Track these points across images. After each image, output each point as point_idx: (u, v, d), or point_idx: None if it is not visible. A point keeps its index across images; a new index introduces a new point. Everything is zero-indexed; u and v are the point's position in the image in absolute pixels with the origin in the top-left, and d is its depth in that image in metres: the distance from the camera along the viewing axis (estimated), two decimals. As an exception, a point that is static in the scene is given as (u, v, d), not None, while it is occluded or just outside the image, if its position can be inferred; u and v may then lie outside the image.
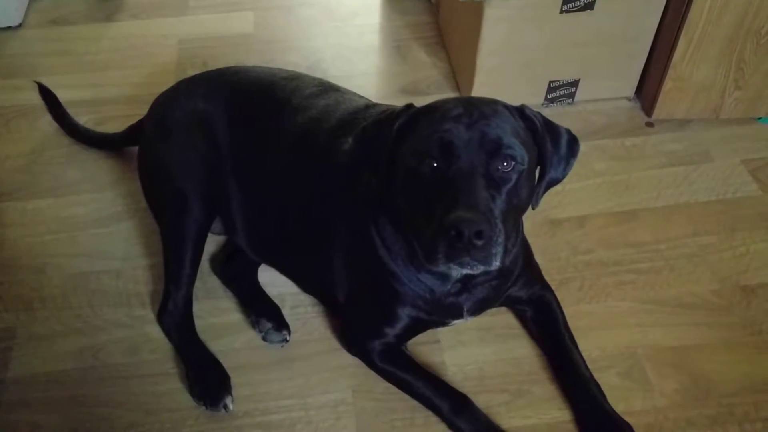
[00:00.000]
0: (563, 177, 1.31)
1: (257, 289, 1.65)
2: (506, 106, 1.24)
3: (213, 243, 1.74)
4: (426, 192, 1.16)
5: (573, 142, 1.30)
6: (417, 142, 1.19)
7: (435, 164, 1.16)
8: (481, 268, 1.16)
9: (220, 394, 1.45)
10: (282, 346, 1.55)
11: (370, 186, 1.36)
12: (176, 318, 1.54)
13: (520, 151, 1.17)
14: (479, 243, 1.10)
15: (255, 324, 1.57)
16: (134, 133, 1.81)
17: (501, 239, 1.13)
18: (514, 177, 1.17)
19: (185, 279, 1.54)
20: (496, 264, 1.15)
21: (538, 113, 1.27)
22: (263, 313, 1.57)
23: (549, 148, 1.25)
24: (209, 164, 1.56)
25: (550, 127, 1.28)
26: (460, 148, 1.15)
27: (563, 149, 1.28)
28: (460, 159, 1.14)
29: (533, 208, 1.28)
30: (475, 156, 1.15)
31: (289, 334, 1.56)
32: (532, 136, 1.24)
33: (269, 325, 1.55)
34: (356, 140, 1.33)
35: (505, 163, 1.16)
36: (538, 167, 1.26)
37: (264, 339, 1.55)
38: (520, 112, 1.24)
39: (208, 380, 1.47)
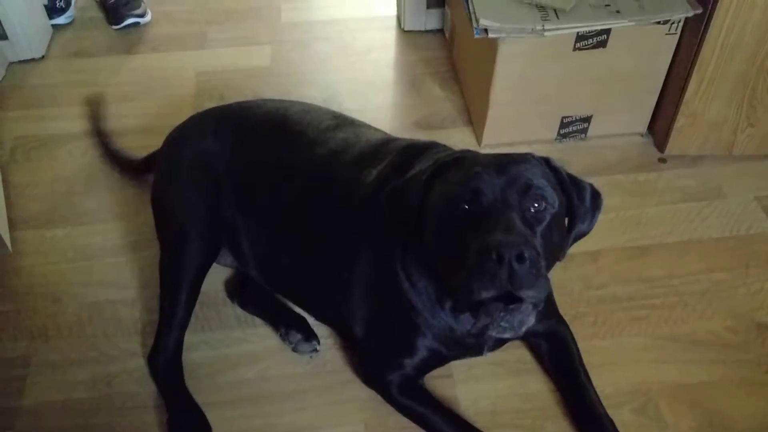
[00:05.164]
0: (590, 230, 1.31)
1: (279, 304, 1.65)
2: (533, 156, 1.25)
3: (226, 271, 1.75)
4: (459, 233, 1.14)
5: (596, 195, 1.31)
6: (447, 188, 1.19)
7: (466, 207, 1.15)
8: (525, 313, 1.12)
9: None
10: (311, 357, 1.57)
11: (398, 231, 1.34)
12: (164, 362, 1.52)
13: (550, 193, 1.18)
14: (521, 267, 1.04)
15: (284, 336, 1.58)
16: (150, 163, 1.84)
17: (543, 263, 1.09)
18: (548, 217, 1.17)
19: (178, 321, 1.52)
20: (543, 294, 1.10)
21: (562, 167, 1.28)
22: (292, 324, 1.59)
23: (576, 200, 1.26)
24: (214, 204, 1.56)
25: (574, 180, 1.29)
26: (492, 190, 1.14)
27: (588, 202, 1.29)
28: (493, 199, 1.14)
29: (560, 260, 1.28)
30: (507, 195, 1.14)
31: (319, 343, 1.57)
32: (559, 186, 1.24)
33: (299, 336, 1.56)
34: (385, 201, 1.32)
35: (536, 204, 1.16)
36: (567, 219, 1.27)
37: (294, 350, 1.57)
38: (546, 162, 1.26)
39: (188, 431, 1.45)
